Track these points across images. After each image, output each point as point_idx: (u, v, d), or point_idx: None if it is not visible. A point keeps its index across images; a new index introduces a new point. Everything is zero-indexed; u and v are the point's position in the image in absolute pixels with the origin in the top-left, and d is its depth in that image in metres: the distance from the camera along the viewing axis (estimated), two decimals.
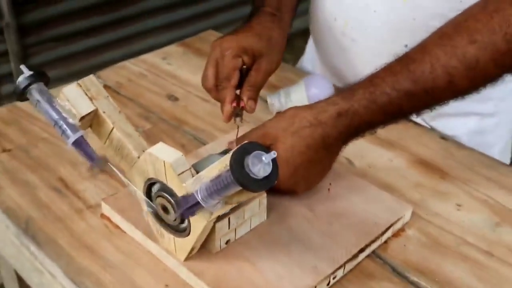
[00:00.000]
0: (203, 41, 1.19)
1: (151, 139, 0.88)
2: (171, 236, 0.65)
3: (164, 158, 0.59)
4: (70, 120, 0.61)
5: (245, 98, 0.80)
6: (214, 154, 0.69)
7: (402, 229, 0.75)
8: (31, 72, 0.62)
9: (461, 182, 0.83)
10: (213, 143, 0.86)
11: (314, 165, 0.70)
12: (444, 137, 0.92)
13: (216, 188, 0.51)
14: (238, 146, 0.50)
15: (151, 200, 0.65)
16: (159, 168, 0.61)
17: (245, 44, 0.81)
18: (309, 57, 1.13)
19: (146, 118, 0.95)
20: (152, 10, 2.74)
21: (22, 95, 0.63)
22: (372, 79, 0.70)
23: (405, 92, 0.67)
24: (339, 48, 0.97)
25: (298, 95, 0.92)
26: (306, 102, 0.91)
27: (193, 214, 0.56)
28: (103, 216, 0.75)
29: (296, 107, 0.71)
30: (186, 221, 0.62)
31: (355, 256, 0.69)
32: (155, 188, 0.64)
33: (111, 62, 1.13)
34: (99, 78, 1.05)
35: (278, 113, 0.74)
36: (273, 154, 0.48)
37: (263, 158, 0.48)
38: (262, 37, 0.83)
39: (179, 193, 0.60)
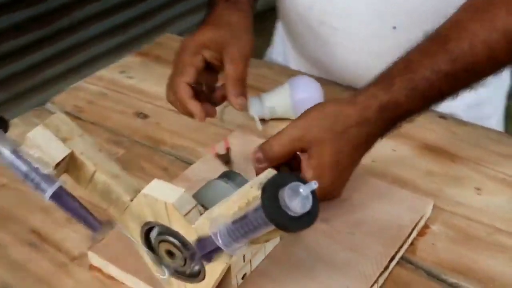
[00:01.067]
0: (162, 47, 1.09)
1: (127, 166, 0.78)
2: (181, 283, 0.57)
3: (164, 199, 0.50)
4: (43, 170, 0.51)
5: (232, 98, 0.70)
6: (214, 180, 0.60)
7: (426, 226, 0.68)
8: None
9: (473, 163, 0.77)
10: (200, 161, 0.77)
11: (355, 165, 0.63)
12: (442, 116, 0.86)
13: (243, 231, 0.42)
14: (269, 179, 0.41)
15: (151, 247, 0.56)
16: (159, 211, 0.51)
17: (202, 39, 0.72)
18: (279, 50, 1.05)
19: (116, 143, 0.85)
20: (87, 18, 2.60)
21: None
22: (408, 64, 0.62)
23: (445, 74, 0.61)
24: (318, 38, 0.89)
25: (283, 100, 0.82)
26: (290, 108, 0.82)
27: (210, 260, 0.48)
28: (92, 267, 0.65)
29: (333, 102, 0.62)
30: (199, 264, 0.54)
31: (386, 267, 0.62)
32: (154, 233, 0.55)
33: (53, 79, 1.02)
34: (54, 104, 0.94)
35: (307, 111, 0.63)
36: (313, 185, 0.40)
37: (301, 190, 0.40)
38: (220, 26, 0.74)
39: (188, 236, 0.51)
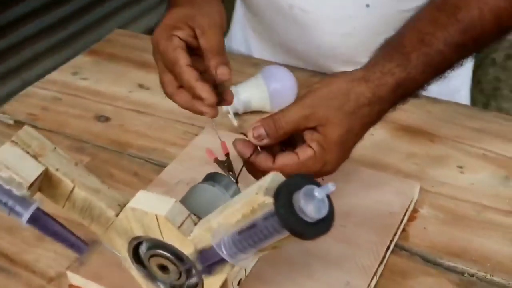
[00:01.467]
0: (114, 44, 1.03)
1: (94, 174, 0.73)
2: None
3: (154, 211, 0.46)
4: (16, 192, 0.47)
5: (213, 69, 0.62)
6: (199, 184, 0.56)
7: (415, 210, 0.67)
8: None
9: (451, 141, 0.76)
10: (174, 163, 0.73)
11: (359, 142, 0.60)
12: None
13: (252, 241, 0.39)
14: (282, 184, 0.38)
15: (141, 262, 0.52)
16: (149, 224, 0.48)
17: (169, 22, 0.66)
18: (239, 38, 1.01)
19: (79, 150, 0.80)
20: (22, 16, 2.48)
21: None
22: (422, 37, 0.60)
23: (456, 45, 0.60)
24: (288, 22, 0.86)
25: (259, 92, 0.79)
26: (267, 100, 0.79)
27: (211, 272, 0.44)
28: (72, 286, 0.61)
29: (343, 79, 0.58)
30: (194, 277, 0.50)
31: (383, 257, 0.60)
32: (144, 247, 0.51)
33: None
34: (5, 114, 0.88)
35: (315, 87, 0.59)
36: (331, 187, 0.37)
37: (316, 194, 0.37)
38: (184, 4, 0.68)
39: (184, 248, 0.47)
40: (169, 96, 0.67)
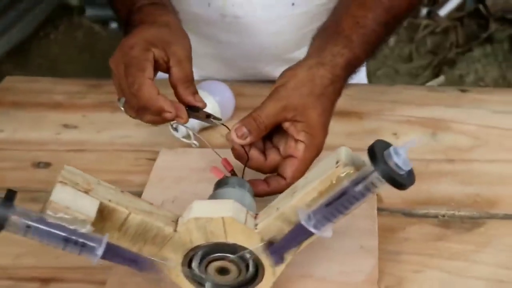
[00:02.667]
0: (11, 91, 0.97)
1: None
2: None
3: (220, 215, 0.49)
4: (83, 230, 0.46)
5: (189, 97, 0.66)
6: (219, 190, 0.59)
7: None
8: None
9: (376, 115, 0.87)
10: (148, 187, 0.73)
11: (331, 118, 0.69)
12: None
13: (343, 208, 0.45)
14: (370, 147, 0.44)
15: (194, 274, 0.54)
16: (213, 229, 0.50)
17: (148, 36, 0.66)
18: None
19: (34, 200, 0.74)
20: None
21: None
22: (357, 20, 0.70)
23: (384, 23, 0.71)
24: (219, 31, 0.90)
25: (211, 107, 0.80)
26: (219, 113, 0.82)
27: (283, 260, 0.49)
28: None
29: (303, 67, 0.66)
30: (251, 269, 0.53)
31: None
32: (198, 257, 0.53)
33: None
34: None
35: (281, 82, 0.65)
36: (412, 144, 0.44)
37: (400, 152, 0.43)
38: (159, 25, 0.70)
39: (250, 243, 0.50)
40: (132, 111, 0.67)
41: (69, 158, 0.83)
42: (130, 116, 0.68)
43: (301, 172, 0.62)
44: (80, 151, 0.84)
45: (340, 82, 0.68)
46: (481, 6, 2.29)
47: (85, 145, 0.85)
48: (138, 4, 0.74)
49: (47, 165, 0.83)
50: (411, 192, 0.72)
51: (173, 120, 0.64)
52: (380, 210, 0.71)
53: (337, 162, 0.46)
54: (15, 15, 2.67)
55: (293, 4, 0.88)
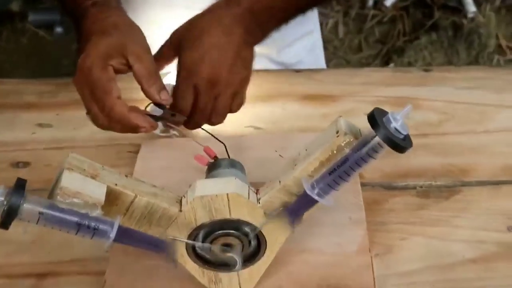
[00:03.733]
0: None
1: None
2: (232, 274, 0.57)
3: (224, 192, 0.51)
4: (94, 214, 0.47)
5: (155, 95, 0.68)
6: (219, 170, 0.60)
7: None
8: (5, 189, 0.45)
9: (349, 97, 0.90)
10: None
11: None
12: (298, 70, 0.97)
13: (346, 174, 0.47)
14: (370, 114, 0.46)
15: (196, 251, 0.55)
16: (218, 206, 0.52)
17: (102, 49, 0.68)
18: None
19: None
20: None
21: (10, 220, 0.45)
22: None
23: None
24: (162, 20, 0.91)
25: None
26: None
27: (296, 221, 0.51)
28: None
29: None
30: (253, 244, 0.55)
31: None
32: (201, 235, 0.54)
33: None
34: None
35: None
36: (408, 110, 0.46)
37: (398, 117, 0.46)
38: (109, 30, 0.70)
39: (254, 217, 0.52)
40: (103, 126, 0.71)
41: (49, 156, 0.83)
42: (101, 129, 0.71)
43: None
44: (59, 149, 0.84)
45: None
46: None
47: (63, 142, 0.85)
48: (81, 7, 0.75)
49: (26, 164, 0.82)
50: (389, 166, 0.77)
51: (150, 131, 0.70)
52: (363, 185, 0.74)
53: (337, 132, 0.49)
54: None
55: None
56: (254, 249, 0.56)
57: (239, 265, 0.53)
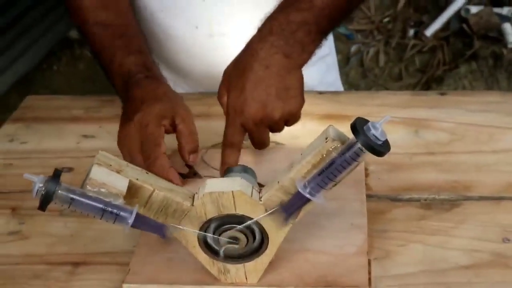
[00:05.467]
0: (32, 109, 1.07)
1: None
2: (239, 266, 0.64)
3: (230, 189, 0.58)
4: (117, 202, 0.55)
5: (185, 154, 0.77)
6: (230, 175, 0.68)
7: (365, 169, 0.85)
8: (43, 177, 0.54)
9: (365, 115, 0.95)
10: None
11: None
12: (321, 92, 1.04)
13: (333, 175, 0.54)
14: (352, 123, 0.53)
15: (208, 243, 0.62)
16: (224, 202, 0.59)
17: (158, 111, 0.78)
18: None
19: None
20: None
21: (46, 203, 0.54)
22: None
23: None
24: (207, 51, 1.00)
25: None
26: None
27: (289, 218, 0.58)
28: None
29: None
30: (257, 239, 0.62)
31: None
32: (211, 229, 0.62)
33: None
34: None
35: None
36: (387, 118, 0.53)
37: (377, 125, 0.53)
38: (162, 98, 0.80)
39: (255, 213, 0.60)
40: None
41: (90, 163, 0.92)
42: None
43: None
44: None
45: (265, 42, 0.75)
46: (464, 25, 2.41)
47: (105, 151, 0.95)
48: (134, 78, 0.84)
49: (70, 169, 0.92)
50: (396, 180, 0.83)
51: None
52: (369, 196, 0.80)
53: (326, 139, 0.56)
54: (20, 49, 2.79)
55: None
56: (259, 243, 0.63)
57: (221, 255, 0.61)
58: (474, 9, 2.41)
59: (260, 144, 0.79)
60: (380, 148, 0.53)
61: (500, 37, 2.36)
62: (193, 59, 1.04)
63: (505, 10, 2.39)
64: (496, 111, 0.96)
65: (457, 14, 2.45)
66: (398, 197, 0.80)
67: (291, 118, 0.78)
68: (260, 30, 0.78)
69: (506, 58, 2.33)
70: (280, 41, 0.75)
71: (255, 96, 0.74)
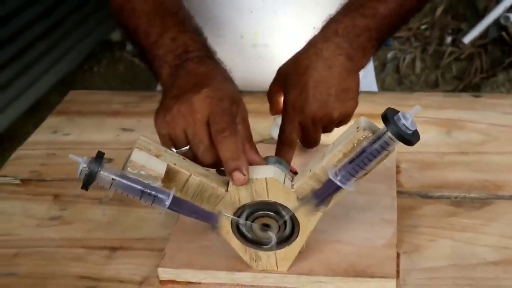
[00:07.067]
0: (75, 103, 1.12)
1: None
2: (270, 253, 0.66)
3: (263, 176, 0.60)
4: (155, 184, 0.58)
5: (254, 156, 0.66)
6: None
7: (397, 167, 0.86)
8: (87, 159, 0.57)
9: None
10: None
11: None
12: None
13: (363, 163, 0.56)
14: (383, 113, 0.55)
15: (240, 230, 0.65)
16: (257, 189, 0.61)
17: (229, 91, 0.68)
18: None
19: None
20: None
21: (89, 183, 0.57)
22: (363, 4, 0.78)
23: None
24: (249, 60, 1.03)
25: None
26: None
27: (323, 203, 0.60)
28: (163, 283, 0.70)
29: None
30: (288, 227, 0.64)
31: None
32: (244, 215, 0.64)
33: None
34: (7, 176, 0.93)
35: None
36: (416, 109, 0.55)
37: (407, 115, 0.55)
38: (229, 78, 0.73)
39: (287, 201, 0.62)
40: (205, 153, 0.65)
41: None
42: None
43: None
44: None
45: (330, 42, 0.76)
46: (504, 33, 2.39)
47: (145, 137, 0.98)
48: (193, 54, 0.73)
49: (110, 160, 0.95)
50: (427, 178, 0.84)
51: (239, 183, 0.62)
52: (400, 193, 0.81)
53: (357, 128, 0.58)
54: (61, 51, 2.88)
55: (314, 27, 0.99)
56: (290, 231, 0.65)
57: (273, 242, 0.62)
58: None
59: (313, 142, 0.79)
60: (410, 137, 0.55)
61: None
62: (236, 67, 1.06)
63: None
64: None
65: (496, 21, 2.44)
66: (429, 195, 0.81)
67: (345, 119, 0.78)
68: (324, 30, 0.78)
69: None
70: (345, 44, 0.76)
71: (316, 95, 0.74)
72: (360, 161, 0.56)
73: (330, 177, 0.57)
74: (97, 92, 1.17)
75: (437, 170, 0.85)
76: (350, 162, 0.56)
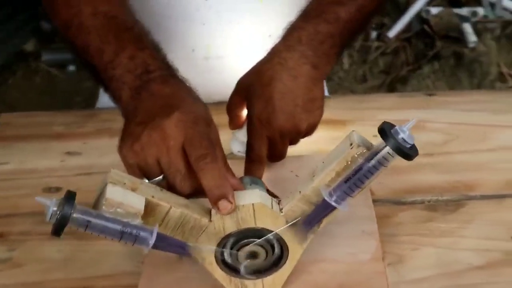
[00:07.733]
0: (8, 127, 1.01)
1: None
2: (257, 281, 0.62)
3: (250, 202, 0.56)
4: (135, 222, 0.52)
5: (232, 180, 0.60)
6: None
7: None
8: (57, 200, 0.51)
9: (357, 121, 0.95)
10: None
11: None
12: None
13: (360, 182, 0.53)
14: (380, 127, 0.52)
15: (225, 259, 0.60)
16: (244, 216, 0.57)
17: (201, 112, 0.64)
18: None
19: None
20: None
21: (62, 228, 0.50)
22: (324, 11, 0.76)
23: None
24: (202, 73, 0.97)
25: None
26: None
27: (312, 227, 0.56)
28: None
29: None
30: (276, 252, 0.60)
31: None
32: (229, 244, 0.59)
33: None
34: None
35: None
36: (413, 122, 0.52)
37: (404, 129, 0.52)
38: (198, 99, 0.68)
39: (276, 225, 0.58)
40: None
41: (78, 181, 0.88)
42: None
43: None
44: (87, 174, 0.89)
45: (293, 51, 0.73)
46: (426, 26, 2.45)
47: (92, 168, 0.91)
48: (155, 73, 0.68)
49: (57, 189, 0.87)
50: (397, 183, 0.82)
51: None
52: (373, 201, 0.79)
53: (351, 144, 0.55)
54: None
55: (270, 35, 0.95)
56: (278, 256, 0.61)
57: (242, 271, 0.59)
58: (434, 10, 2.46)
59: (280, 156, 0.75)
60: (409, 152, 0.53)
61: (460, 37, 2.41)
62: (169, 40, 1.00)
63: (464, 11, 2.44)
64: (484, 109, 0.97)
65: (418, 15, 2.50)
66: (402, 200, 0.80)
67: (311, 130, 0.76)
68: (286, 39, 0.75)
69: (467, 57, 2.38)
70: (309, 52, 0.74)
71: (283, 107, 0.71)
72: (356, 179, 0.53)
73: (325, 197, 0.53)
74: (36, 114, 1.08)
75: (406, 175, 0.84)
76: (346, 181, 0.53)
